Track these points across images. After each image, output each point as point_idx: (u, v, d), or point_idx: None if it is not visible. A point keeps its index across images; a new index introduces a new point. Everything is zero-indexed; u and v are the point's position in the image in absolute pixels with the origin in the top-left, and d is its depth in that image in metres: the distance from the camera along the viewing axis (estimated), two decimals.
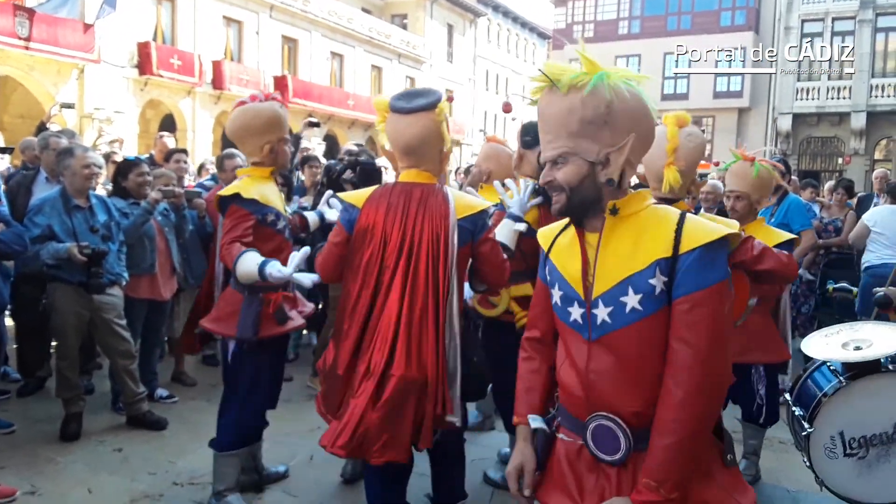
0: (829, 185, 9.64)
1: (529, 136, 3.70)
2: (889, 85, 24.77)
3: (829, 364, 3.39)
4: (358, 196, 2.74)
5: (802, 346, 3.42)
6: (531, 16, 43.16)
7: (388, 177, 7.93)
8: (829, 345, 3.37)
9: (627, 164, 1.65)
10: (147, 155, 7.68)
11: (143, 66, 19.06)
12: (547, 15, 39.51)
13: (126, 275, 4.53)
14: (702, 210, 6.75)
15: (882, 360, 3.26)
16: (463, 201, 2.69)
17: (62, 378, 4.33)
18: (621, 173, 1.64)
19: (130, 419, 4.57)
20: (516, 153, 3.73)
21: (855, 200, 8.86)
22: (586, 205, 1.65)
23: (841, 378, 3.26)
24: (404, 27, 31.62)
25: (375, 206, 2.66)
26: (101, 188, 5.24)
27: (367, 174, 5.35)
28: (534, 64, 42.97)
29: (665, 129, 2.87)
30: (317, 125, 6.76)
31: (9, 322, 5.23)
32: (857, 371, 3.25)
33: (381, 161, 9.08)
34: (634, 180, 4.63)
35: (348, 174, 5.40)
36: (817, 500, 3.80)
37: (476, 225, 2.70)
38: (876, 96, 24.89)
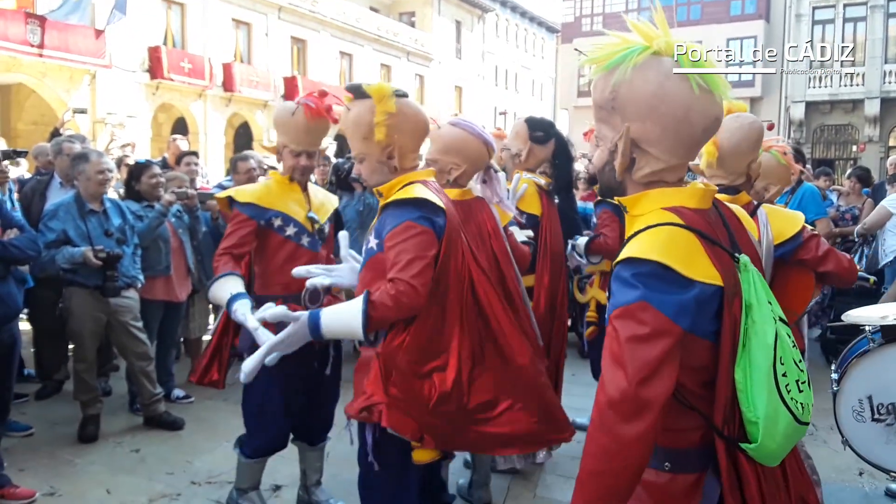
0: (849, 172, 9.58)
1: (540, 132, 3.75)
2: None
3: (872, 335, 3.40)
4: (428, 196, 2.31)
5: (844, 315, 3.43)
6: (539, 10, 42.99)
7: None
8: (869, 314, 3.42)
9: (641, 155, 1.48)
10: (160, 158, 7.73)
11: (154, 70, 19.19)
12: (555, 8, 39.46)
13: (142, 277, 4.57)
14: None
15: None
16: None
17: (80, 381, 4.38)
18: (631, 165, 1.50)
19: (147, 420, 4.62)
20: (526, 148, 3.75)
21: (870, 189, 8.79)
22: (613, 192, 1.58)
23: (871, 341, 3.28)
24: (412, 25, 31.60)
25: (450, 209, 2.42)
26: (113, 192, 5.28)
27: None
28: (543, 58, 42.84)
29: None
30: None
31: (25, 326, 5.29)
32: (890, 337, 3.27)
33: None
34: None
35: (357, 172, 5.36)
36: (834, 490, 3.78)
37: None
38: (890, 82, 24.57)
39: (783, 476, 1.50)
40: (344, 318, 2.25)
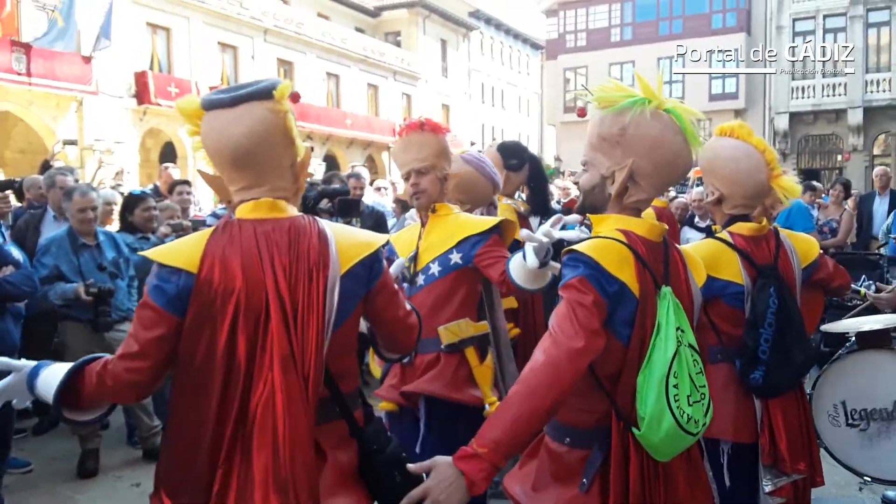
0: (832, 182, 9.67)
1: (515, 159, 3.81)
2: (884, 79, 24.78)
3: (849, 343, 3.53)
4: (167, 255, 1.66)
5: (824, 326, 3.50)
6: (523, 27, 43.29)
7: (387, 199, 7.85)
8: (848, 324, 3.56)
9: (633, 185, 1.79)
10: (151, 186, 7.74)
11: (141, 95, 19.19)
12: (539, 25, 39.84)
13: None
14: (696, 219, 6.80)
15: (894, 339, 3.40)
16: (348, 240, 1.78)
17: None
18: (624, 191, 1.80)
19: (147, 453, 4.59)
20: (502, 176, 3.79)
21: (851, 201, 8.86)
22: (595, 210, 1.86)
23: (846, 347, 3.42)
24: (398, 44, 31.79)
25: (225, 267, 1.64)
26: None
27: (346, 204, 5.11)
28: (528, 75, 43.14)
29: (742, 145, 2.49)
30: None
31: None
32: (864, 344, 3.39)
33: (381, 182, 9.05)
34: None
35: (325, 203, 5.13)
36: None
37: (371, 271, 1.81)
38: (871, 91, 24.94)
39: (674, 482, 1.74)
40: (52, 380, 1.71)
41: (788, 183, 2.56)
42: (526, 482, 1.80)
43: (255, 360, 1.60)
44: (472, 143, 30.18)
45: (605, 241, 1.74)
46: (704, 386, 1.74)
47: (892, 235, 7.01)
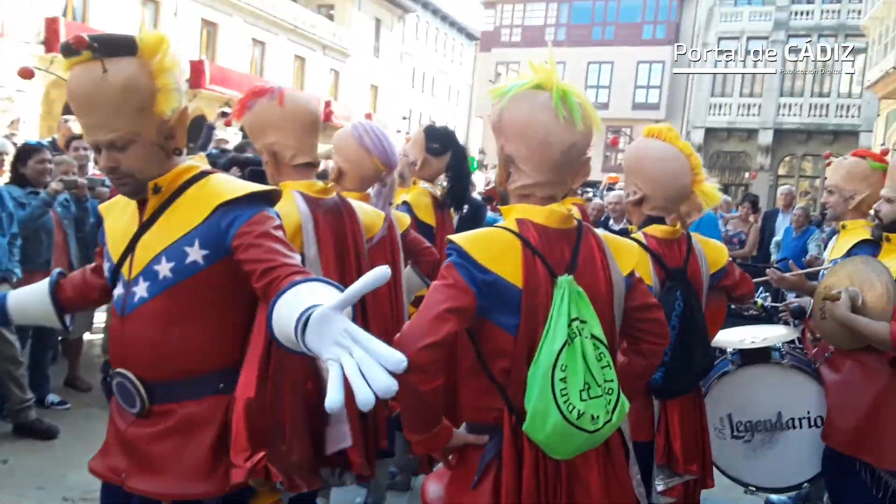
0: (741, 199, 10.12)
1: (436, 143, 3.71)
2: (796, 104, 26.20)
3: (731, 357, 3.58)
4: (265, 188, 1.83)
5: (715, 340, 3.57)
6: (460, 16, 43.27)
7: None
8: (729, 338, 3.61)
9: (516, 171, 1.75)
10: (49, 139, 7.22)
11: (51, 43, 18.02)
12: (476, 16, 39.95)
13: (18, 271, 4.21)
14: (611, 222, 6.90)
15: (773, 354, 3.47)
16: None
17: None
18: (506, 178, 1.78)
19: (17, 427, 4.27)
20: (421, 157, 3.70)
21: (755, 217, 9.32)
22: (505, 203, 1.83)
23: (731, 363, 3.47)
24: (331, 18, 31.13)
25: None
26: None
27: (257, 175, 4.86)
28: (461, 65, 43.17)
29: (670, 147, 2.56)
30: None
31: None
32: (748, 360, 3.47)
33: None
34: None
35: (234, 171, 4.91)
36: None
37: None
38: (783, 115, 26.29)
39: (583, 482, 1.68)
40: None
41: (710, 189, 2.62)
42: (441, 480, 1.81)
43: None
44: (399, 132, 29.85)
45: (488, 231, 1.73)
46: (612, 380, 1.66)
47: (779, 260, 7.30)
